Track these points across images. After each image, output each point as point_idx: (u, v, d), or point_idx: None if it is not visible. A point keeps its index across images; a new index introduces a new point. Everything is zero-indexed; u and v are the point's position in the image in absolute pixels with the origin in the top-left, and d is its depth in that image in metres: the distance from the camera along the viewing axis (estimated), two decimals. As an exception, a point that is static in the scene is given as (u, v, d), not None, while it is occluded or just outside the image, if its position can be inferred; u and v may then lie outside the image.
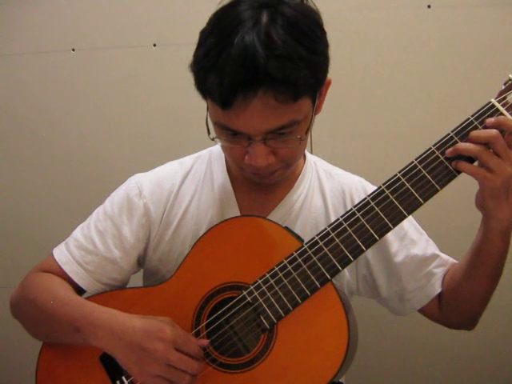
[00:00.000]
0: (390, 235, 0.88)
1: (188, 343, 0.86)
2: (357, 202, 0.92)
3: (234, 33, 0.79)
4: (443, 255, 1.06)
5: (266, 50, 0.78)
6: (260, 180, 0.96)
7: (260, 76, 0.78)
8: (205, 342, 0.89)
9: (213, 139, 0.91)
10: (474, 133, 0.84)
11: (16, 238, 1.74)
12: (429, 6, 1.47)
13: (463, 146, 0.84)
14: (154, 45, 1.61)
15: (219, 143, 0.92)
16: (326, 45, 0.86)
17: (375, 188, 0.89)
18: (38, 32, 1.64)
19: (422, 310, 1.06)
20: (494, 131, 0.82)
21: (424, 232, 1.08)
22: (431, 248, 1.05)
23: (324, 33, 0.86)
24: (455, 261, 1.05)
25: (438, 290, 1.03)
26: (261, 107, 0.81)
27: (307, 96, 0.85)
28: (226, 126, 0.86)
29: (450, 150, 0.85)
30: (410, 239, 1.04)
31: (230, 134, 0.88)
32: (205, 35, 0.86)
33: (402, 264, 1.03)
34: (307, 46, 0.81)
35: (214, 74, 0.81)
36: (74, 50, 1.64)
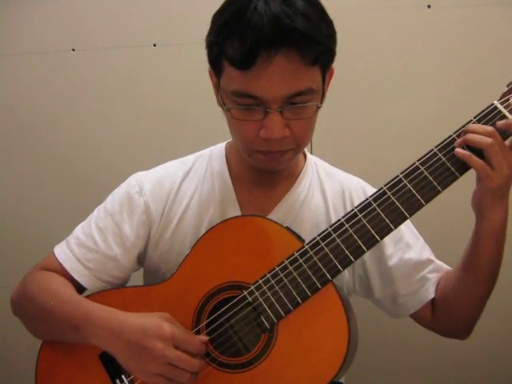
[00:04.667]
0: (386, 237, 0.88)
1: (187, 340, 0.86)
2: (356, 202, 0.92)
3: (254, 1, 0.82)
4: (438, 261, 1.06)
5: (290, 8, 0.81)
6: (270, 163, 0.95)
7: (285, 32, 0.80)
8: (204, 338, 0.89)
9: (228, 110, 0.90)
10: (471, 127, 0.84)
11: (16, 237, 1.74)
12: (429, 6, 1.47)
13: (473, 136, 0.83)
14: (154, 45, 1.61)
15: (232, 116, 0.90)
16: (335, 30, 0.89)
17: (374, 189, 0.89)
18: (38, 32, 1.64)
19: (415, 316, 1.06)
20: (490, 128, 0.83)
21: (420, 237, 1.08)
22: (426, 253, 1.05)
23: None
24: (450, 268, 1.05)
25: (432, 295, 1.02)
26: (282, 67, 0.82)
27: (320, 66, 0.86)
28: (244, 93, 0.86)
29: (460, 141, 0.85)
30: (406, 243, 1.04)
31: (245, 106, 0.87)
32: (219, 13, 0.88)
33: (395, 267, 1.03)
34: (323, 18, 0.86)
35: (235, 38, 0.82)
36: (73, 50, 1.64)
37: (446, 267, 1.06)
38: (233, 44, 0.83)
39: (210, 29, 0.89)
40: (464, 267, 0.95)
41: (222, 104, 0.92)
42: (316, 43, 0.82)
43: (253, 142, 0.91)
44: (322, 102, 0.92)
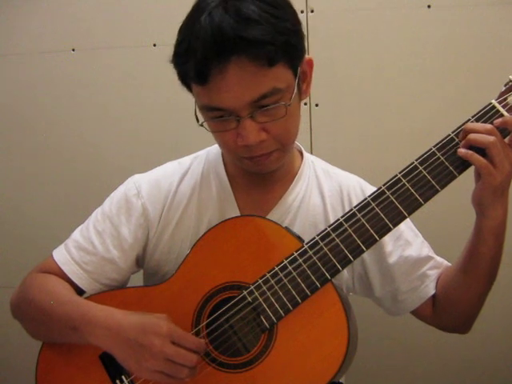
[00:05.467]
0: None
1: (185, 336, 0.86)
2: (355, 201, 0.91)
3: (202, 13, 0.82)
4: (438, 258, 1.06)
5: (233, 16, 0.80)
6: (258, 168, 0.95)
7: (230, 42, 0.79)
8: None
9: (201, 124, 0.92)
10: (470, 125, 0.85)
11: (16, 238, 1.74)
12: (429, 6, 1.47)
13: (475, 136, 0.83)
14: (154, 45, 1.61)
15: (209, 129, 0.92)
16: (296, 19, 0.88)
17: (373, 188, 0.89)
18: (38, 32, 1.64)
19: (415, 312, 1.06)
20: (490, 126, 0.83)
21: (420, 234, 1.08)
22: (426, 250, 1.05)
23: (294, 11, 0.88)
24: (450, 264, 1.05)
25: (432, 291, 1.03)
26: (237, 75, 0.82)
27: (284, 63, 0.85)
28: (210, 106, 0.87)
29: (464, 142, 0.85)
30: (405, 240, 1.04)
31: (217, 117, 0.88)
32: (179, 31, 0.88)
33: (395, 264, 1.03)
34: (274, 13, 0.83)
35: (190, 55, 0.83)
36: (74, 50, 1.64)
37: (446, 263, 1.06)
38: (189, 61, 0.83)
39: (174, 48, 0.89)
40: (464, 264, 0.96)
41: (196, 118, 0.93)
42: (267, 45, 0.81)
43: (235, 150, 0.92)
44: (304, 96, 0.93)
